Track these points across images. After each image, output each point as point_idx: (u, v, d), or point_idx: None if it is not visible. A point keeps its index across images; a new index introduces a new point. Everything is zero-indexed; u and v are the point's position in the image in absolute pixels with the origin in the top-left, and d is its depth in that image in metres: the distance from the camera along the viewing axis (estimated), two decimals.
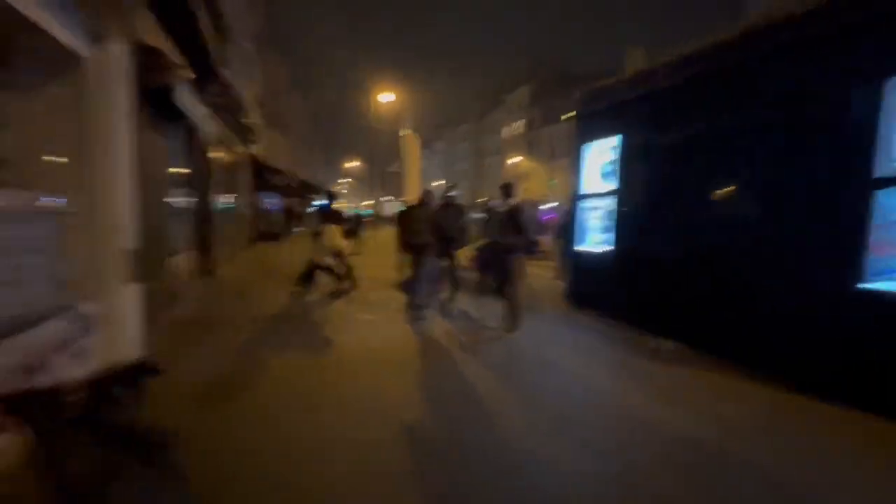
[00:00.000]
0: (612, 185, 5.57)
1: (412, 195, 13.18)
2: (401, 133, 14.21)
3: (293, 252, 6.93)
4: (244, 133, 10.74)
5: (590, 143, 5.92)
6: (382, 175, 33.48)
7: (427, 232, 5.22)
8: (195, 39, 5.08)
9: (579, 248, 6.05)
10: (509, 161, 40.54)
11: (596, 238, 5.88)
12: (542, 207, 16.81)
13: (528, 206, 5.06)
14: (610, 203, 5.63)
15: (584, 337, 4.80)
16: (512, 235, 4.83)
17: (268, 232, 17.36)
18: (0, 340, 2.14)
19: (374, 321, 5.25)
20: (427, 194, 5.77)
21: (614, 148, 5.58)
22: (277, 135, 27.24)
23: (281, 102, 28.81)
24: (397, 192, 25.42)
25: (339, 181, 76.75)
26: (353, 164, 59.38)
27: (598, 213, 5.87)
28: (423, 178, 34.62)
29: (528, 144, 41.55)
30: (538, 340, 4.60)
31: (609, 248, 5.60)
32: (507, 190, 5.09)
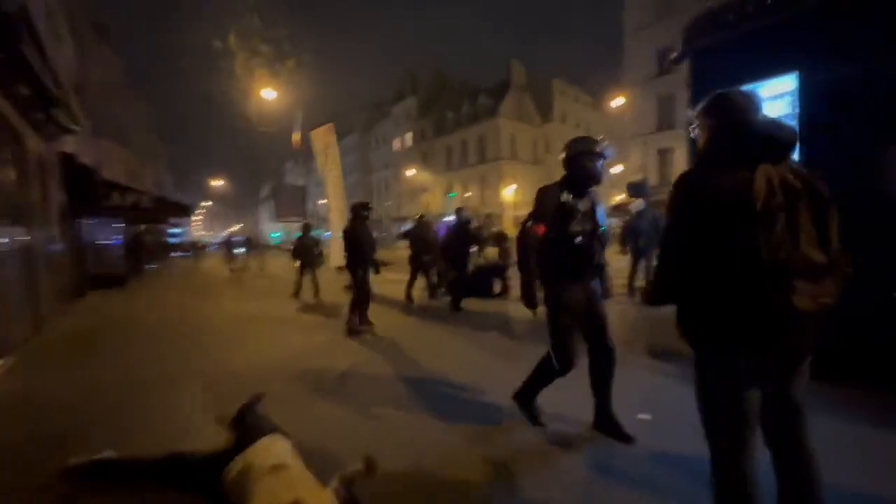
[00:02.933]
0: None
1: (337, 208, 9.70)
2: (313, 132, 10.78)
3: (153, 304, 3.36)
4: (46, 107, 6.08)
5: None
6: (276, 191, 28.05)
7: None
8: None
9: None
10: (408, 173, 38.20)
11: None
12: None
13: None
14: None
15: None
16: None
17: (103, 275, 11.77)
18: None
19: None
20: None
21: (779, 97, 3.42)
22: (109, 143, 20.44)
23: (113, 103, 21.94)
24: (295, 210, 20.79)
25: (202, 204, 65.67)
26: (218, 182, 50.11)
27: None
28: (307, 196, 29.81)
29: (423, 156, 39.92)
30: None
31: None
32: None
